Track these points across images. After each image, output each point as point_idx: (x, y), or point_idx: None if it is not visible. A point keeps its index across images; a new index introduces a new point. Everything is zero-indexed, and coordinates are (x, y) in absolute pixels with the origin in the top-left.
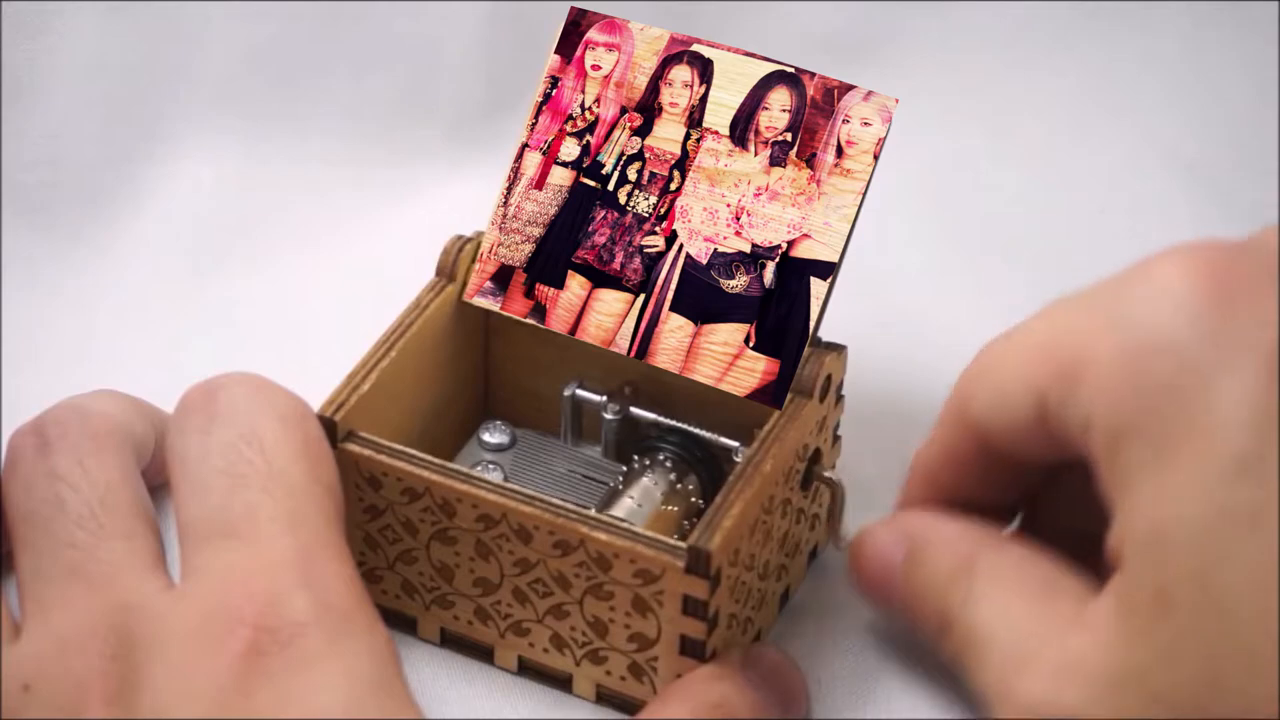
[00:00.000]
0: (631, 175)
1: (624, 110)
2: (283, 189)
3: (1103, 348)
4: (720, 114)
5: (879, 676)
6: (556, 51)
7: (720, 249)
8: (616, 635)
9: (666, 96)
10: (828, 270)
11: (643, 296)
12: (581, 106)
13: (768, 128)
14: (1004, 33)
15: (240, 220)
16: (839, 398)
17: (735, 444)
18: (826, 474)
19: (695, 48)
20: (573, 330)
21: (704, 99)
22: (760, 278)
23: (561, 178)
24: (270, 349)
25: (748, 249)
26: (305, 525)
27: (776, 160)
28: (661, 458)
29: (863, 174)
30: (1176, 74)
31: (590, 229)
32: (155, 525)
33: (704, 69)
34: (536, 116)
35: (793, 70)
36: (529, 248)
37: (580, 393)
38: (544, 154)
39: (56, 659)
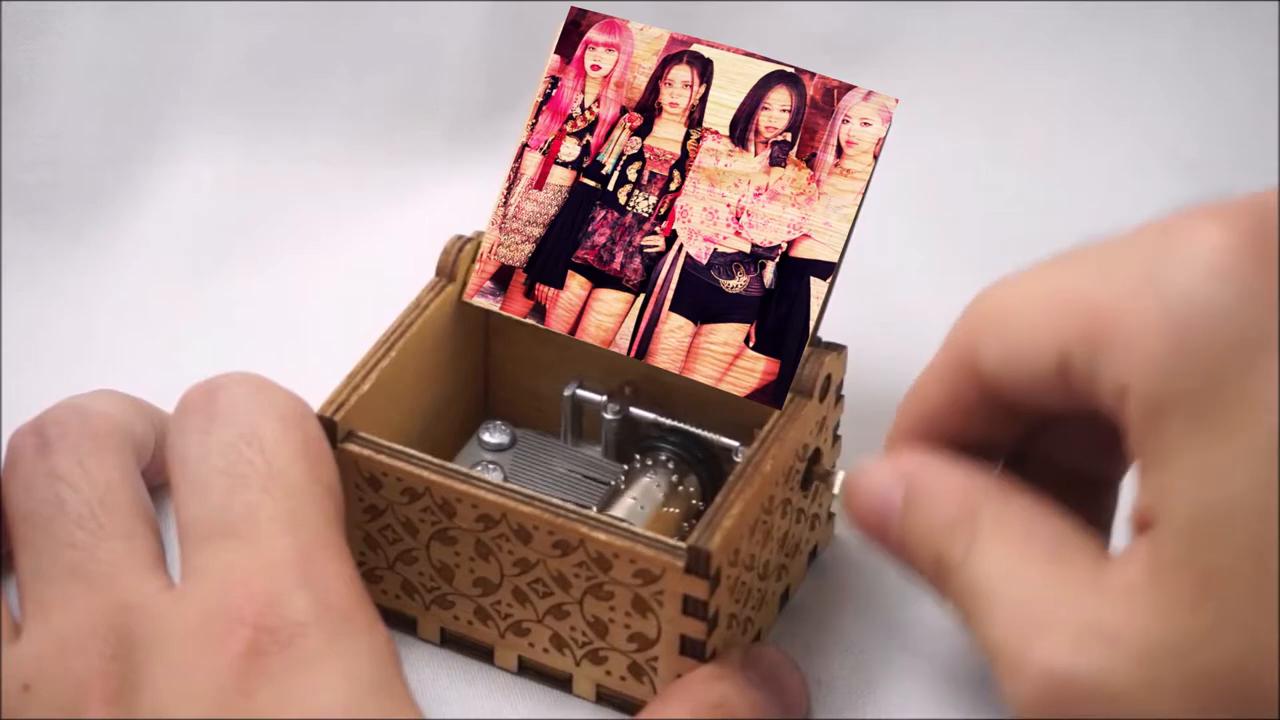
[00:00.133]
0: (631, 175)
1: (624, 110)
2: (283, 189)
3: (1139, 312)
4: (720, 114)
5: (879, 677)
6: (556, 51)
7: (720, 249)
8: (616, 635)
9: (666, 96)
10: (828, 270)
11: (643, 296)
12: (581, 106)
13: (768, 128)
14: (1004, 33)
15: (240, 220)
16: (839, 398)
17: (735, 444)
18: (826, 470)
19: (695, 48)
20: (573, 330)
21: (704, 99)
22: (760, 278)
23: (561, 178)
24: (270, 349)
25: (748, 249)
26: (305, 525)
27: (776, 160)
28: (663, 458)
29: (863, 174)
30: (1176, 74)
31: (590, 229)
32: (155, 525)
33: (704, 69)
34: (536, 116)
35: (793, 70)
36: (529, 248)
37: (580, 393)
38: (544, 154)
39: (56, 659)
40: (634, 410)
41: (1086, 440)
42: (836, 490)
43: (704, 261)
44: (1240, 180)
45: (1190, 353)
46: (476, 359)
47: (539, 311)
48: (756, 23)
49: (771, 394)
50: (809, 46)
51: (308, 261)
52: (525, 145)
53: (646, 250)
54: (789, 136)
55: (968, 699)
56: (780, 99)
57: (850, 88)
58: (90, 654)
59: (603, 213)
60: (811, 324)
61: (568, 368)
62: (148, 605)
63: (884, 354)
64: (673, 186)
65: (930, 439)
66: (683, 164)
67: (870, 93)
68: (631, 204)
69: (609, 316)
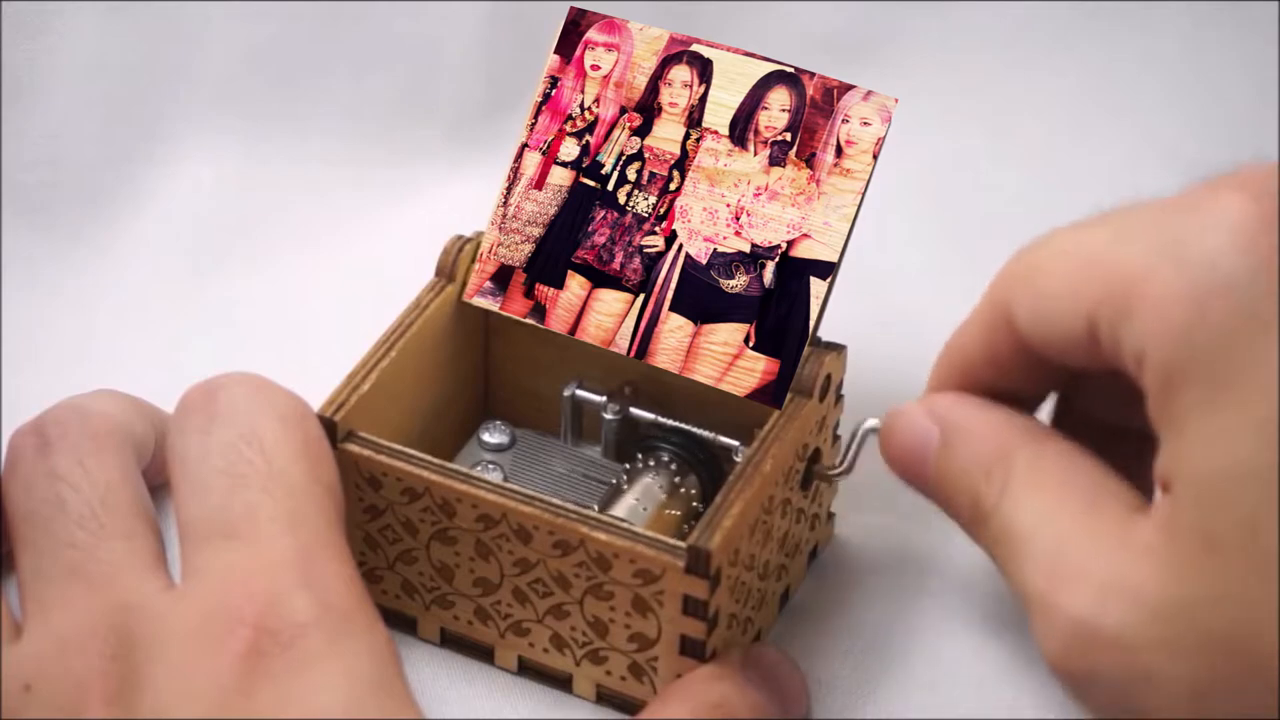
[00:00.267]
0: (631, 175)
1: (623, 110)
2: (283, 189)
3: (1159, 278)
4: (720, 114)
5: (879, 677)
6: (556, 51)
7: (720, 249)
8: (616, 635)
9: (666, 96)
10: (827, 270)
11: (642, 296)
12: (581, 106)
13: (767, 127)
14: (1004, 33)
15: (240, 220)
16: (839, 398)
17: (735, 444)
18: (831, 473)
19: (695, 48)
20: (573, 330)
21: (703, 99)
22: (760, 277)
23: (561, 178)
24: (270, 349)
25: (747, 249)
26: (305, 525)
27: (776, 160)
28: (665, 458)
29: (862, 174)
30: (1176, 74)
31: (590, 229)
32: (156, 525)
33: (703, 69)
34: (536, 116)
35: (792, 70)
36: (529, 248)
37: (580, 393)
38: (544, 154)
39: (57, 659)
40: (634, 410)
41: (1127, 394)
42: (865, 429)
43: (704, 261)
44: None
45: (1206, 324)
46: (476, 359)
47: (539, 311)
48: (756, 23)
49: (771, 394)
50: (809, 46)
51: (308, 261)
52: (525, 145)
53: (646, 250)
54: (789, 136)
55: (968, 699)
56: (780, 99)
57: (850, 88)
58: (91, 654)
59: (602, 213)
60: (811, 324)
61: (568, 368)
62: (148, 605)
63: (884, 354)
64: (672, 186)
65: (966, 386)
66: (682, 164)
67: (870, 93)
68: (631, 204)
69: (609, 316)
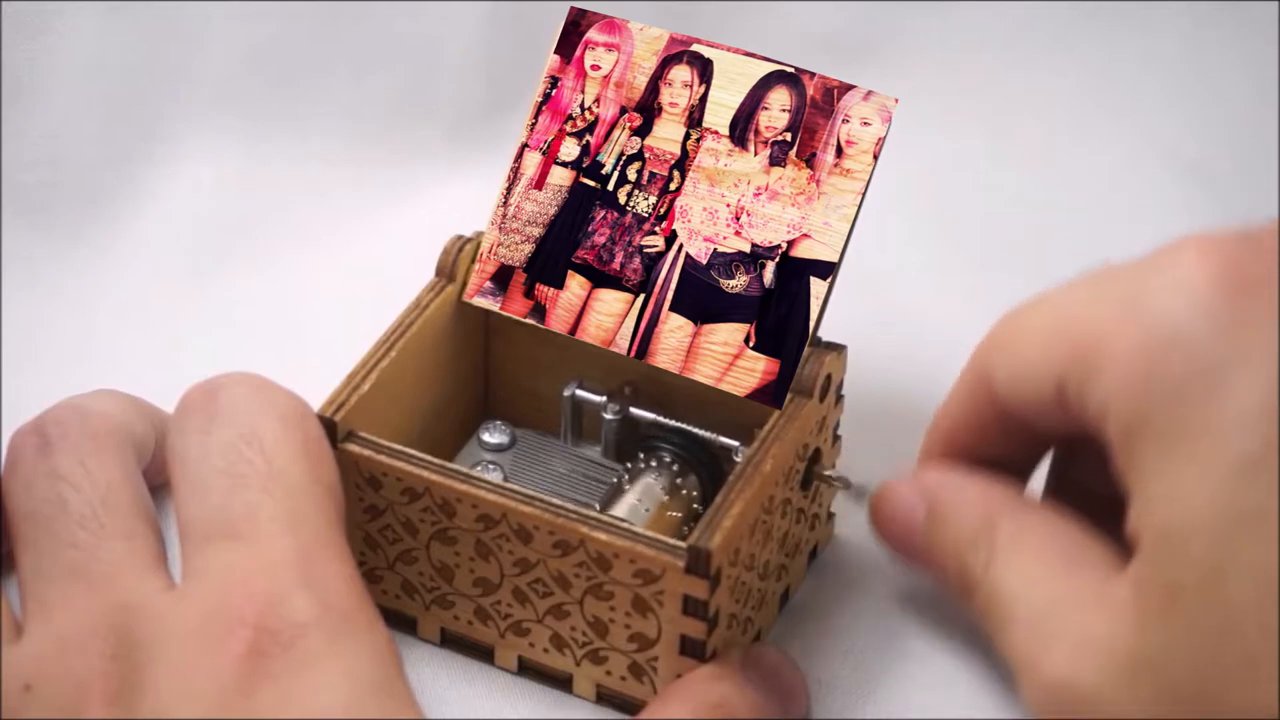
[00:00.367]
0: (631, 175)
1: (624, 110)
2: (283, 189)
3: (1119, 337)
4: (720, 114)
5: (879, 677)
6: (556, 51)
7: (720, 249)
8: (616, 635)
9: (666, 96)
10: (828, 270)
11: (642, 296)
12: (581, 106)
13: (767, 127)
14: (1004, 33)
15: (240, 220)
16: (839, 398)
17: (735, 444)
18: (828, 473)
19: (695, 48)
20: (573, 330)
21: (704, 99)
22: (760, 277)
23: (561, 178)
24: (270, 349)
25: (747, 249)
26: (306, 525)
27: (776, 160)
28: (666, 458)
29: (862, 174)
30: (1176, 74)
31: (590, 229)
32: (156, 525)
33: (704, 69)
34: (536, 116)
35: (792, 70)
36: (529, 248)
37: (580, 393)
38: (544, 154)
39: (57, 659)
40: (634, 410)
41: (1109, 465)
42: (858, 498)
43: (704, 261)
44: (1240, 180)
45: (1159, 377)
46: (476, 359)
47: (539, 311)
48: (756, 23)
49: (771, 394)
50: (809, 46)
51: (308, 261)
52: (525, 145)
53: (646, 250)
54: (789, 136)
55: (968, 699)
56: (780, 99)
57: (850, 88)
58: (91, 654)
59: (603, 213)
60: (811, 324)
61: (568, 368)
62: (148, 605)
63: (884, 354)
64: (672, 186)
65: (955, 456)
66: (682, 164)
67: (870, 93)
68: (631, 204)
69: (609, 316)
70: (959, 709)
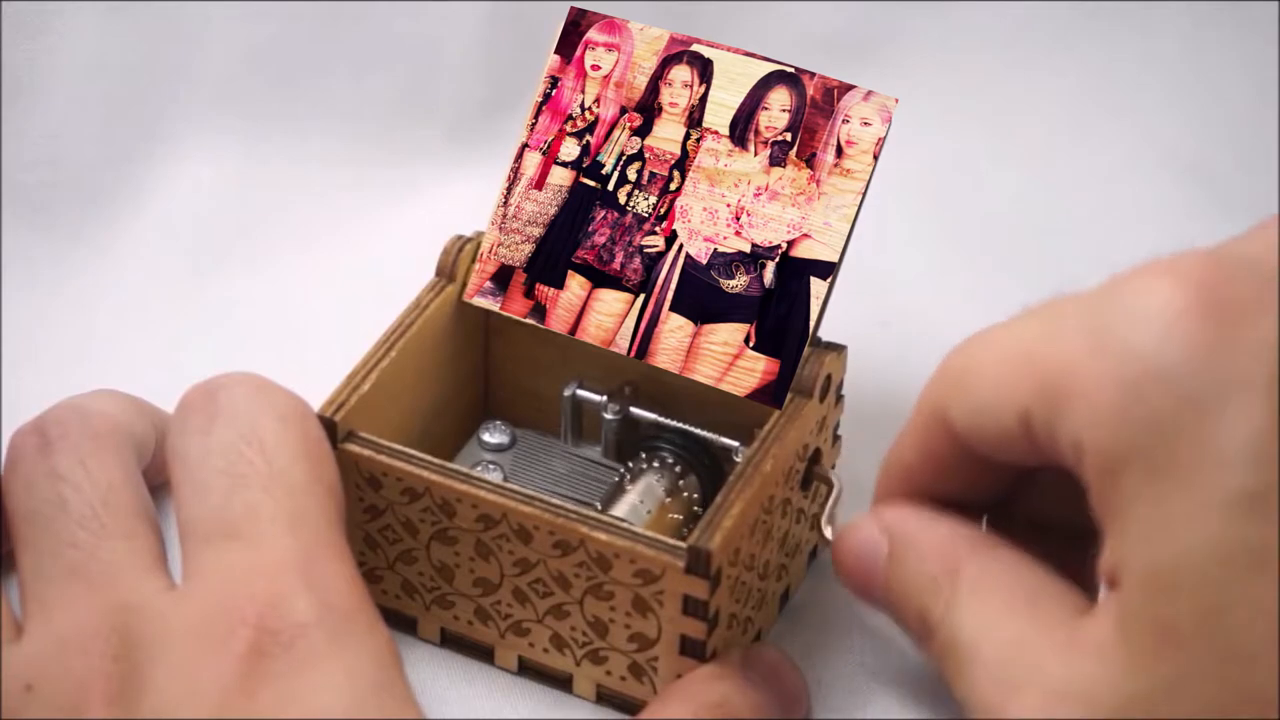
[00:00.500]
0: (631, 175)
1: (624, 110)
2: (283, 189)
3: (1091, 370)
4: (720, 114)
5: (879, 677)
6: (556, 51)
7: (720, 249)
8: (616, 635)
9: (666, 96)
10: (828, 270)
11: (643, 296)
12: (581, 106)
13: (767, 128)
14: (1004, 33)
15: (240, 220)
16: (839, 398)
17: (735, 444)
18: (826, 473)
19: (695, 48)
20: (573, 330)
21: (704, 99)
22: (760, 278)
23: (561, 178)
24: (270, 349)
25: (748, 249)
26: (306, 526)
27: (776, 160)
28: (668, 458)
29: (862, 174)
30: (1176, 74)
31: (590, 229)
32: (156, 525)
33: (704, 69)
34: (536, 116)
35: (793, 70)
36: (529, 248)
37: (580, 393)
38: (544, 154)
39: (58, 659)
40: (634, 410)
41: (1067, 492)
42: (821, 543)
43: (704, 261)
44: (1240, 180)
45: (1140, 411)
46: (476, 359)
47: (539, 311)
48: (756, 23)
49: (771, 394)
50: (809, 46)
51: (308, 261)
52: (525, 145)
53: (646, 250)
54: (789, 136)
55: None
56: (780, 99)
57: (850, 88)
58: (92, 654)
59: (603, 213)
60: (811, 324)
61: (568, 368)
62: (149, 606)
63: (884, 354)
64: (673, 186)
65: (912, 494)
66: (683, 164)
67: (870, 93)
68: (631, 204)
69: (609, 316)
70: (959, 709)
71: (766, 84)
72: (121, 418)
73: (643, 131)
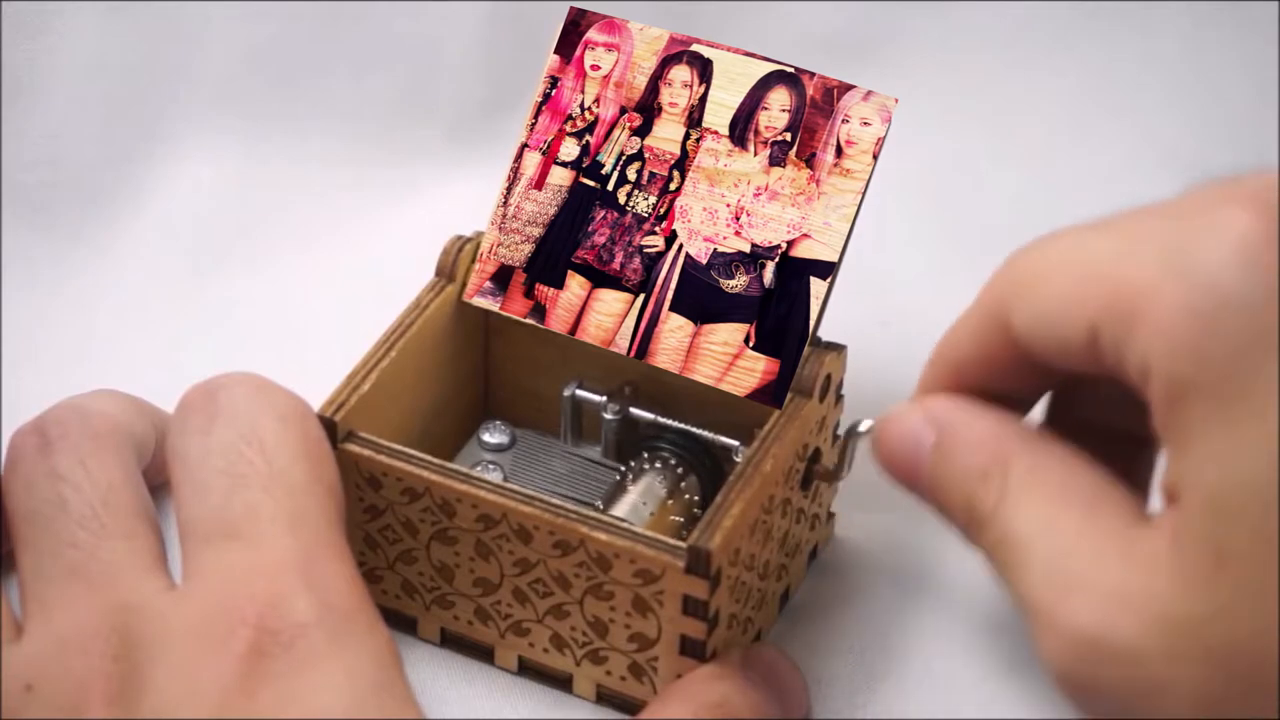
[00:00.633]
0: (631, 175)
1: (623, 110)
2: (283, 189)
3: (1166, 296)
4: (720, 114)
5: (879, 677)
6: (556, 51)
7: (720, 249)
8: (616, 635)
9: (666, 96)
10: (827, 270)
11: (642, 296)
12: (581, 106)
13: (767, 127)
14: (1004, 33)
15: (240, 220)
16: (839, 397)
17: (735, 444)
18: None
19: (695, 48)
20: (573, 330)
21: (703, 99)
22: (760, 277)
23: (561, 178)
24: (270, 349)
25: (747, 249)
26: (306, 526)
27: (776, 160)
28: (670, 460)
29: (862, 174)
30: (1176, 74)
31: (590, 229)
32: (156, 525)
33: (703, 69)
34: (536, 116)
35: (792, 70)
36: (529, 248)
37: (580, 393)
38: (544, 154)
39: (58, 659)
40: (634, 410)
41: (1123, 398)
42: (858, 432)
43: (704, 261)
44: None
45: (1213, 340)
46: (476, 359)
47: (539, 311)
48: (756, 23)
49: (771, 394)
50: (809, 46)
51: (308, 261)
52: (525, 145)
53: (646, 250)
54: (789, 136)
55: (968, 699)
56: (780, 99)
57: (850, 88)
58: (92, 654)
59: (602, 213)
60: (811, 324)
61: (568, 368)
62: (149, 606)
63: (884, 354)
64: (672, 186)
65: (958, 388)
66: (682, 164)
67: (870, 93)
68: (631, 204)
69: (609, 316)
70: (959, 709)
71: (766, 84)
72: (121, 418)
73: (642, 131)
